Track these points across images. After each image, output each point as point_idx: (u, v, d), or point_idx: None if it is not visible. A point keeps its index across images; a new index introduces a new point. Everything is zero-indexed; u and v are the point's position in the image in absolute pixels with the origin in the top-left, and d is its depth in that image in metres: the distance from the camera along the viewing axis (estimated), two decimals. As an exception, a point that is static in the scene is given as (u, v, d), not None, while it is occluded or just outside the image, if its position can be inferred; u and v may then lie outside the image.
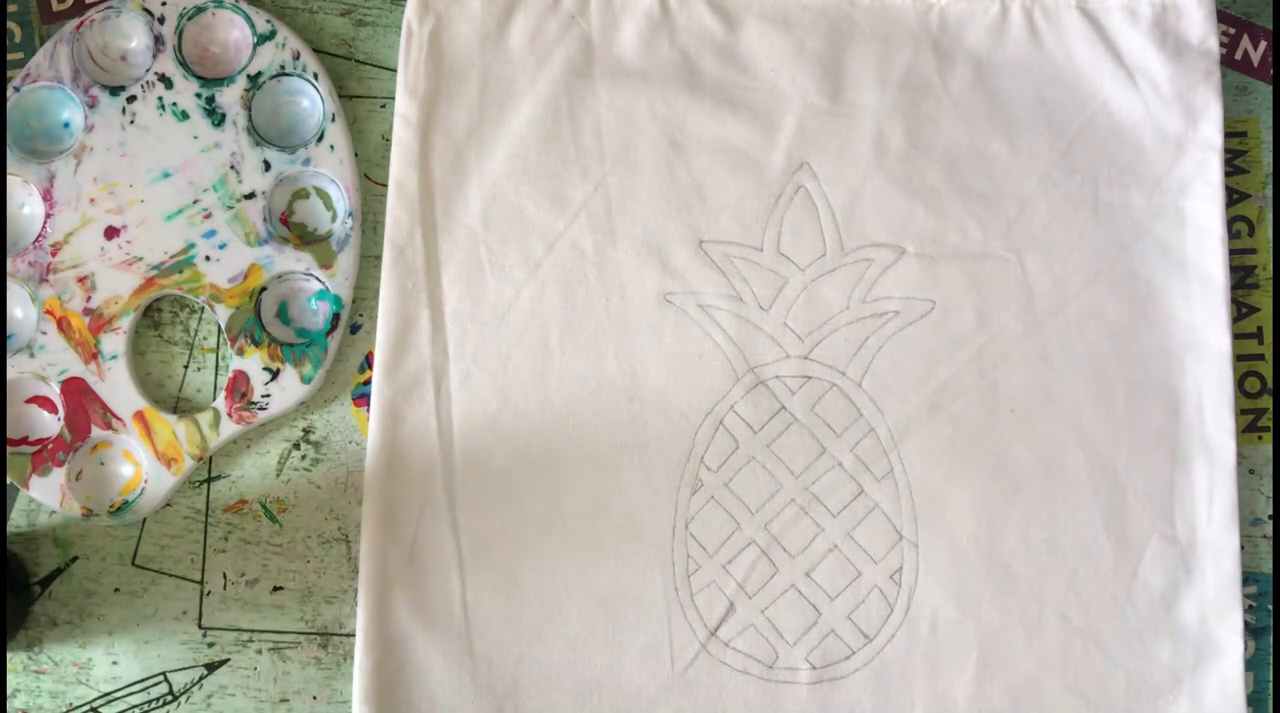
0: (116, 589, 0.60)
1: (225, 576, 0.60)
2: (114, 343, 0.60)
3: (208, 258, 0.61)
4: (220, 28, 0.63)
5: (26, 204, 0.61)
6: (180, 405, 0.61)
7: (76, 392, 0.60)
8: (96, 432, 0.59)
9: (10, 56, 0.63)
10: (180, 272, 0.60)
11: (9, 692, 0.59)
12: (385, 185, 0.62)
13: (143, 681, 0.59)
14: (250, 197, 0.61)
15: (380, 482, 0.58)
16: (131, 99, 0.61)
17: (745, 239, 0.60)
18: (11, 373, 0.59)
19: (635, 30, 0.62)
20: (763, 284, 0.60)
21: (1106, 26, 0.62)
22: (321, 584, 0.60)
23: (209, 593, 0.60)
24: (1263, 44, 0.65)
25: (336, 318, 0.61)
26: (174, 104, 0.61)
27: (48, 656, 0.59)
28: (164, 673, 0.59)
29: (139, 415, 0.60)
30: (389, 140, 0.62)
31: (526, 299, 0.60)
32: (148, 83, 0.61)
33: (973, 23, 0.62)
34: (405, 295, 0.60)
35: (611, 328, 0.60)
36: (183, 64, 0.62)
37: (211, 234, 0.61)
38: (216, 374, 0.61)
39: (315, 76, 0.62)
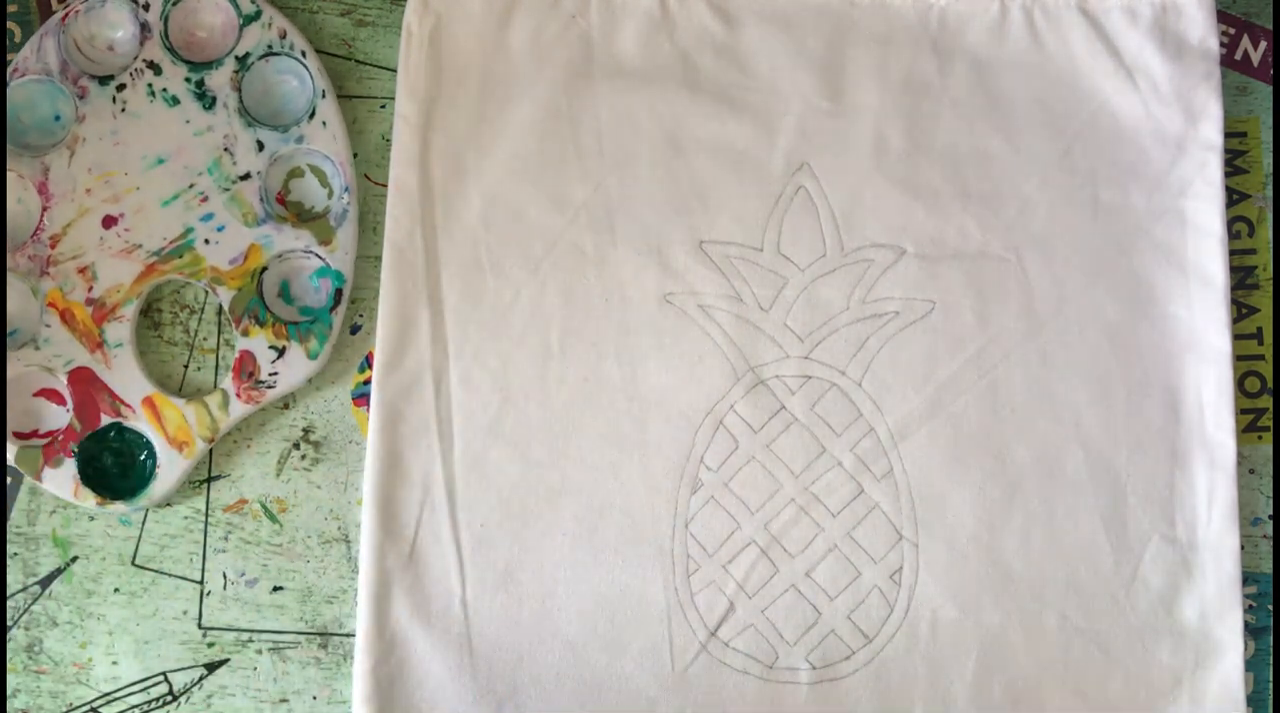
0: (116, 589, 0.60)
1: (225, 576, 0.60)
2: (118, 331, 0.60)
3: (207, 241, 0.61)
4: (205, 11, 0.63)
5: (23, 198, 0.61)
6: (180, 405, 0.61)
7: (84, 382, 0.60)
8: (106, 421, 0.59)
9: (10, 57, 0.63)
10: (180, 256, 0.60)
11: (9, 692, 0.59)
12: (385, 185, 0.62)
13: (143, 681, 0.59)
14: (246, 177, 0.61)
15: (380, 482, 0.58)
16: (121, 87, 0.61)
17: (745, 239, 0.60)
18: (18, 367, 0.59)
19: (635, 30, 0.62)
20: (763, 284, 0.60)
21: (1106, 27, 0.62)
22: (321, 584, 0.60)
23: (209, 593, 0.60)
24: (1263, 44, 0.65)
25: (339, 293, 0.61)
26: (164, 90, 0.61)
27: (48, 656, 0.59)
28: (164, 673, 0.59)
29: (148, 401, 0.60)
30: (389, 140, 0.62)
31: (526, 299, 0.60)
32: (136, 70, 0.61)
33: (973, 23, 0.62)
34: (405, 295, 0.60)
35: (611, 328, 0.60)
36: (170, 50, 0.62)
37: (209, 217, 0.61)
38: (216, 375, 0.61)
39: (303, 54, 0.62)
